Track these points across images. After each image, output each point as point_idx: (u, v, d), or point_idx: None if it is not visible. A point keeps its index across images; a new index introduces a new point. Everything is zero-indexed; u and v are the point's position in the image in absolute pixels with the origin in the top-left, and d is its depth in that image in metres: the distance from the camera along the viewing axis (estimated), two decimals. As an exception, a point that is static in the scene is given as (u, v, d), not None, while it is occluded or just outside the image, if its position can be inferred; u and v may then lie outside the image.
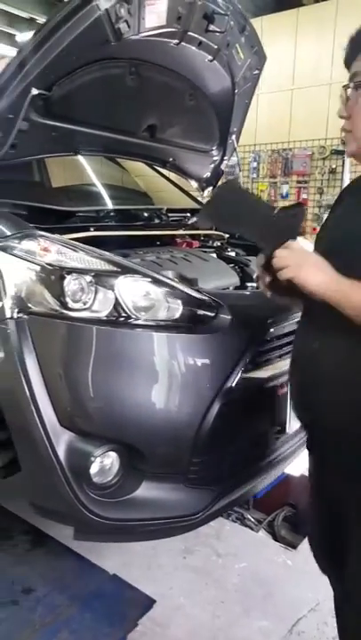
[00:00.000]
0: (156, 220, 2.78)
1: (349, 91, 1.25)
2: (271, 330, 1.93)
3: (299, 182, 5.14)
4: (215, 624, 2.00)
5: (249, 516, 2.79)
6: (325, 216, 5.14)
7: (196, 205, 3.29)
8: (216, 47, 2.42)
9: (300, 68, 5.10)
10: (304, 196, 5.10)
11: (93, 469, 1.64)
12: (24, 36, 7.43)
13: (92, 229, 2.30)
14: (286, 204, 5.09)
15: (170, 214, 2.97)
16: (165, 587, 2.16)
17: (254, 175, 5.39)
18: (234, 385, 1.76)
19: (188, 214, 3.11)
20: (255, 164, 5.37)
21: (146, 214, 2.76)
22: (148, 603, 2.01)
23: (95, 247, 1.87)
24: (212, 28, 2.31)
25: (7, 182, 2.28)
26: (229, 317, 1.80)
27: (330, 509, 1.42)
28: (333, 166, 4.85)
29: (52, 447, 1.61)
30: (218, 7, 2.28)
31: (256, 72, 2.79)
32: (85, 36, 1.95)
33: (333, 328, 1.21)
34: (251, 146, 5.36)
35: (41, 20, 6.99)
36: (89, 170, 3.23)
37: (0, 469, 1.93)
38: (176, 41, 2.26)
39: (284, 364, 2.03)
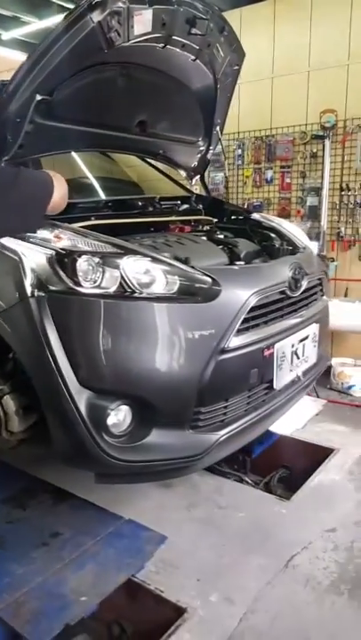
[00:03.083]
0: (150, 209, 3.03)
1: None
2: (258, 299, 2.21)
3: (282, 167, 5.34)
4: (219, 563, 2.28)
5: (247, 479, 3.05)
6: (309, 199, 5.36)
7: (185, 193, 3.55)
8: (198, 48, 2.67)
9: (279, 57, 5.30)
10: (288, 180, 5.32)
11: (110, 421, 1.93)
12: (9, 35, 7.62)
13: (92, 219, 2.57)
14: (271, 188, 5.36)
15: (163, 202, 3.23)
16: (174, 535, 2.41)
17: (240, 162, 5.59)
18: (226, 346, 2.05)
19: (179, 202, 3.37)
20: (240, 152, 5.57)
21: (140, 203, 3.02)
22: (161, 538, 2.31)
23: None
24: (193, 31, 2.56)
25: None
26: (220, 289, 2.08)
27: None
28: (315, 150, 5.06)
29: (75, 404, 1.89)
30: (198, 12, 2.53)
31: (236, 67, 3.03)
32: (81, 46, 2.20)
33: None
34: (235, 134, 5.57)
35: (24, 18, 7.17)
36: (82, 164, 3.48)
37: (26, 430, 2.21)
38: (162, 45, 2.51)
39: (269, 329, 2.32)
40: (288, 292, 2.45)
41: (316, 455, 3.24)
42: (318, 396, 4.28)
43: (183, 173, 3.63)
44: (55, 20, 6.72)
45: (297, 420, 3.54)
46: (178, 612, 2.00)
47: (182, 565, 2.25)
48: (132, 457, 1.97)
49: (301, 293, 2.57)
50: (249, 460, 3.13)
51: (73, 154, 3.31)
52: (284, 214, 5.31)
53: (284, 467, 3.26)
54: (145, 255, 2.05)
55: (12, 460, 2.86)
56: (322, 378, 4.59)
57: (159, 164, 3.68)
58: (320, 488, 2.87)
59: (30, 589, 1.98)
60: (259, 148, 5.47)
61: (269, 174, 5.45)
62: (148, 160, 3.67)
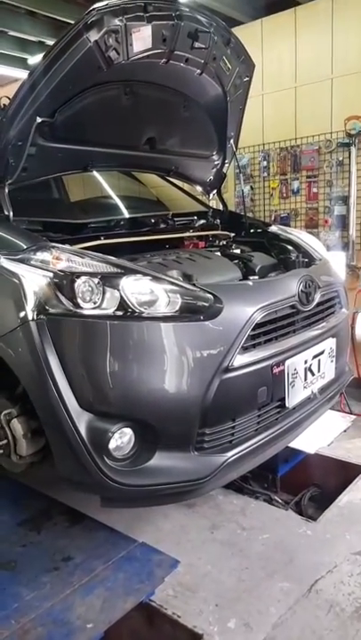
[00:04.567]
0: (163, 225, 3.01)
1: None
2: (263, 314, 2.14)
3: (308, 177, 5.27)
4: (240, 587, 2.19)
5: (277, 498, 2.97)
6: (336, 208, 5.26)
7: (202, 208, 3.51)
8: (203, 61, 2.64)
9: (301, 66, 5.25)
10: (314, 189, 5.24)
11: (112, 444, 1.89)
12: (35, 59, 7.79)
13: (102, 238, 2.56)
14: (298, 199, 5.27)
15: (178, 218, 3.20)
16: (194, 557, 2.35)
17: (265, 174, 5.55)
18: (230, 365, 1.99)
19: (195, 217, 3.33)
20: (265, 163, 5.53)
21: (152, 220, 2.99)
22: (174, 562, 2.24)
23: (108, 254, 2.12)
24: (196, 45, 2.53)
25: (25, 201, 2.54)
26: (222, 306, 2.03)
27: None
28: (341, 159, 4.97)
29: (75, 427, 1.86)
30: (201, 25, 2.50)
31: (246, 79, 2.98)
32: (79, 67, 2.20)
33: None
34: (259, 145, 5.53)
35: (49, 42, 7.33)
36: (103, 183, 3.49)
37: (36, 453, 2.19)
38: (164, 60, 2.49)
39: (279, 345, 2.25)
40: (299, 307, 2.37)
41: (348, 473, 3.13)
42: (351, 411, 4.13)
43: (199, 189, 3.59)
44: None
45: (323, 437, 3.42)
46: (194, 638, 1.95)
47: (201, 589, 2.18)
48: (136, 481, 1.92)
49: (315, 307, 2.48)
50: (278, 478, 3.05)
51: (96, 173, 3.32)
52: (312, 224, 5.22)
53: (315, 485, 3.18)
54: (145, 274, 2.02)
55: (30, 481, 2.86)
56: (356, 392, 4.45)
57: (183, 185, 3.67)
58: (349, 508, 2.74)
59: (37, 615, 1.95)
60: (284, 158, 5.41)
61: (296, 185, 5.39)
62: (169, 179, 3.65)
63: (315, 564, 2.32)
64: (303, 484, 3.16)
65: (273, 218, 5.47)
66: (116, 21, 2.18)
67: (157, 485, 1.96)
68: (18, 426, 2.14)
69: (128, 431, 1.93)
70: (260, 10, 5.47)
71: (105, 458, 1.88)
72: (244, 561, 2.35)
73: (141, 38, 2.30)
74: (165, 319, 1.96)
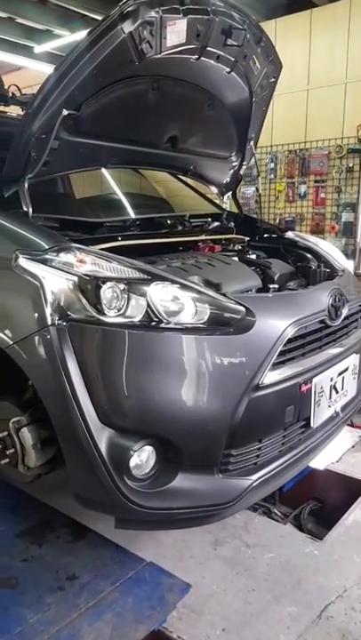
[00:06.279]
0: (180, 227, 2.89)
1: None
2: (295, 329, 2.04)
3: (316, 182, 5.20)
4: (247, 610, 2.09)
5: (276, 511, 2.88)
6: (344, 214, 5.19)
7: (216, 210, 3.40)
8: (234, 59, 2.53)
9: (314, 68, 5.17)
10: (322, 195, 5.17)
11: (133, 462, 1.77)
12: (41, 48, 7.60)
13: (119, 239, 2.43)
14: (304, 204, 5.19)
15: (193, 220, 3.09)
16: (198, 576, 2.25)
17: (272, 176, 5.46)
18: (261, 382, 1.88)
19: (209, 219, 3.22)
20: (272, 165, 5.45)
21: (169, 221, 2.88)
22: (185, 587, 2.13)
23: (123, 255, 2.00)
24: (229, 42, 2.42)
25: (37, 196, 2.40)
26: (255, 319, 1.92)
27: None
28: (351, 165, 4.91)
29: (94, 443, 1.74)
30: (235, 22, 2.39)
31: (272, 80, 2.88)
32: (111, 59, 2.08)
33: None
34: (267, 147, 5.44)
35: (57, 31, 7.17)
36: (109, 180, 3.36)
37: (45, 464, 2.07)
38: (196, 56, 2.38)
39: (307, 362, 2.15)
40: (328, 321, 2.27)
41: (351, 488, 3.06)
42: (353, 424, 4.06)
43: (215, 190, 3.48)
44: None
45: (331, 452, 3.33)
46: (202, 665, 1.84)
47: (207, 612, 2.08)
48: (156, 503, 1.81)
49: (341, 321, 2.39)
50: (278, 491, 2.97)
51: (102, 170, 3.19)
52: (318, 230, 5.15)
53: (315, 499, 3.10)
54: (174, 282, 1.90)
55: (31, 490, 2.73)
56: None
57: (190, 180, 3.56)
58: (356, 527, 2.66)
59: (42, 642, 1.83)
60: (292, 161, 5.34)
61: (303, 189, 5.31)
62: (179, 176, 3.54)
63: (323, 587, 2.23)
64: (303, 498, 3.09)
65: (278, 221, 5.39)
66: (152, 13, 2.06)
67: (179, 509, 1.85)
68: (27, 435, 2.03)
69: (149, 449, 1.81)
70: (275, 10, 5.38)
71: (125, 477, 1.77)
72: (250, 582, 2.26)
73: (176, 32, 2.18)
74: (193, 331, 1.85)
